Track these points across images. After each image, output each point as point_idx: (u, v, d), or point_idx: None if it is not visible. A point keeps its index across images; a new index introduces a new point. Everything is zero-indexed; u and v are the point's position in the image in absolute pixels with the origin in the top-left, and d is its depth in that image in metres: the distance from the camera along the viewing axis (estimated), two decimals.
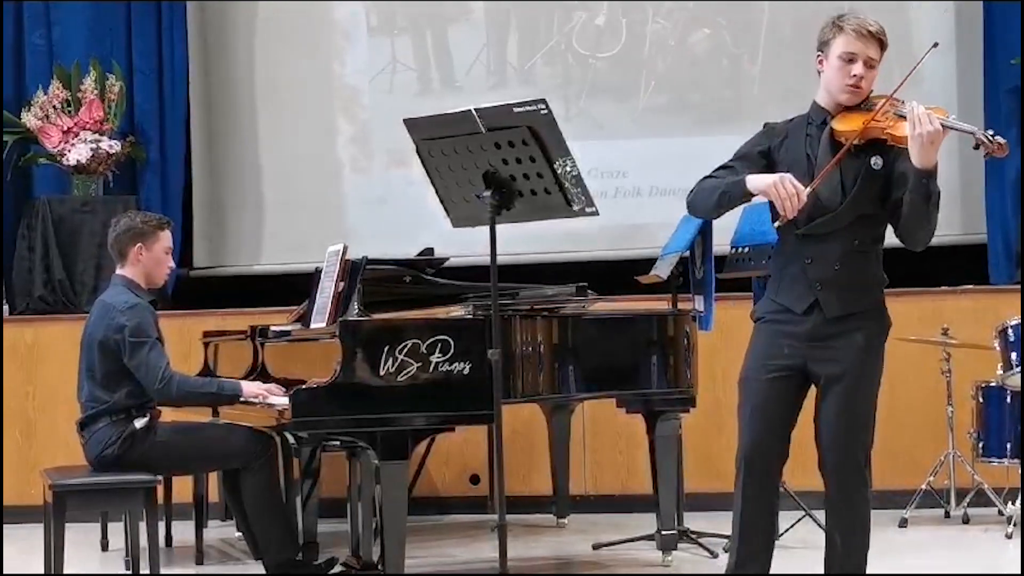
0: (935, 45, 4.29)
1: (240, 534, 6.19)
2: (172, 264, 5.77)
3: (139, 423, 5.40)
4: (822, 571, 4.27)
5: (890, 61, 7.67)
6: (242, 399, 5.38)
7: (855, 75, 4.10)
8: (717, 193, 4.18)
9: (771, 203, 4.06)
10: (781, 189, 3.98)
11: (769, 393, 4.19)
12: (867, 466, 4.18)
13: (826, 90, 4.19)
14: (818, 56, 4.21)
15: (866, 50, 4.11)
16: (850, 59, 4.11)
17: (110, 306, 5.46)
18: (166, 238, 5.66)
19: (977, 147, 3.94)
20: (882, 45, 4.15)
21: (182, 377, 5.49)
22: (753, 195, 4.13)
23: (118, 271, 5.64)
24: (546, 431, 6.79)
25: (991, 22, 7.71)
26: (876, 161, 4.09)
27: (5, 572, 5.92)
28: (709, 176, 4.28)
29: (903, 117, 3.99)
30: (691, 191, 4.30)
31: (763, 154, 4.25)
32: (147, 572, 5.30)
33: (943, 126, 3.89)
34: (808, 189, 4.01)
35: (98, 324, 5.47)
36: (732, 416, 6.74)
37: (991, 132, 3.93)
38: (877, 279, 4.23)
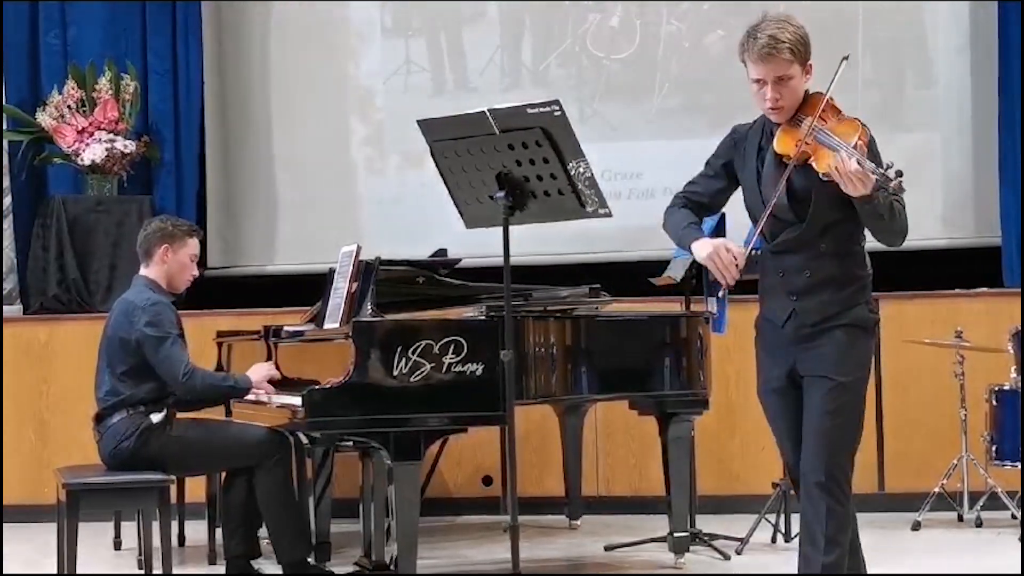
0: (846, 58, 4.09)
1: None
2: (195, 272, 5.81)
3: (156, 418, 5.43)
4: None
5: (902, 62, 7.80)
6: (252, 387, 5.46)
7: (767, 99, 3.97)
8: (676, 237, 4.20)
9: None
10: (718, 260, 3.97)
11: (777, 407, 4.15)
12: (848, 476, 4.00)
13: None
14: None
15: (773, 71, 3.94)
16: (759, 84, 3.98)
17: (132, 304, 5.52)
18: (194, 245, 5.75)
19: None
20: (794, 52, 3.95)
21: (203, 370, 5.54)
22: None
23: (141, 271, 5.69)
24: (559, 432, 6.78)
25: (1006, 23, 7.68)
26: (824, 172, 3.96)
27: (17, 572, 5.93)
28: (683, 191, 4.23)
29: (822, 144, 3.88)
30: (665, 213, 4.24)
31: (726, 166, 4.18)
32: (160, 571, 5.30)
33: (859, 164, 3.76)
34: (746, 251, 3.99)
35: (121, 321, 5.52)
36: (745, 418, 6.83)
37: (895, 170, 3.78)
38: (854, 279, 4.08)
